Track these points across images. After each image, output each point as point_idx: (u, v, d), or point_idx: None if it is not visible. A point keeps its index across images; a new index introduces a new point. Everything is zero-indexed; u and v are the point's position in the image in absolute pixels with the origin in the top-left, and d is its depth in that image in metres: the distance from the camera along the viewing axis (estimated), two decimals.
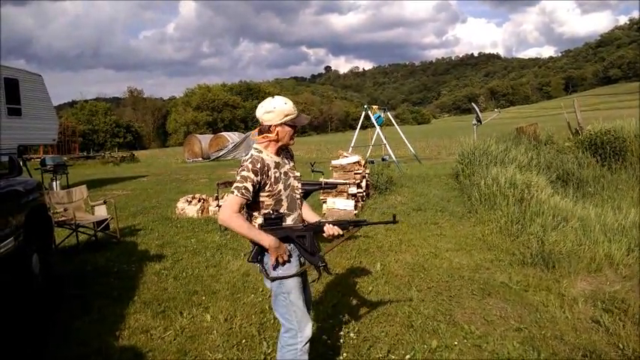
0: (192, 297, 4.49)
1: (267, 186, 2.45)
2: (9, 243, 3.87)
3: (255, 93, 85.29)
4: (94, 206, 7.11)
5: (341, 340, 3.50)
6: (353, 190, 8.25)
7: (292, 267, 2.50)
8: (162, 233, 7.35)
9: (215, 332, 3.70)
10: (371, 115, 17.22)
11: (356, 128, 18.23)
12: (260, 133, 2.51)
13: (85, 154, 33.50)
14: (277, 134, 2.47)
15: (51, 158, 12.72)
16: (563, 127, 14.48)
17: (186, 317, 4.00)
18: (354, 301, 4.23)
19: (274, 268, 2.47)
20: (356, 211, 8.05)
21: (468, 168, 10.46)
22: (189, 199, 8.88)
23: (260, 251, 2.48)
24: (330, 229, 2.52)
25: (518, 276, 4.74)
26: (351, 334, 3.58)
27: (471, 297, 4.30)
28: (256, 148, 2.50)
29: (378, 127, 17.31)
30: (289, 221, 2.53)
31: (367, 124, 18.87)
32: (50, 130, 14.22)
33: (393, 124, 19.76)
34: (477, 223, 7.09)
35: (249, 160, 2.43)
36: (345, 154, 9.60)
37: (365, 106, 17.75)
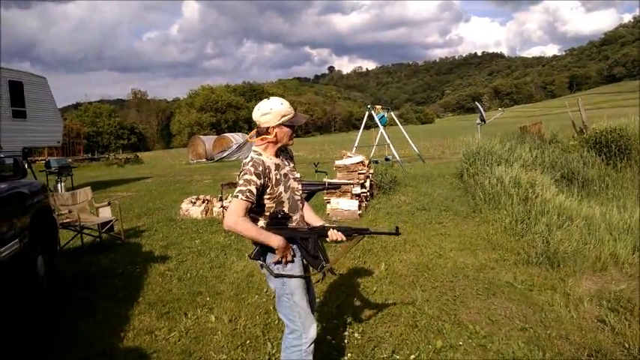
0: (196, 298, 4.50)
1: (269, 188, 2.43)
2: (14, 245, 3.88)
3: (259, 94, 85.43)
4: (99, 208, 7.13)
5: (345, 341, 3.50)
6: (357, 190, 8.24)
7: (295, 267, 2.50)
8: (167, 234, 7.37)
9: (219, 333, 3.70)
10: (374, 115, 17.20)
11: (359, 128, 18.20)
12: (258, 135, 2.50)
13: (89, 155, 33.69)
14: (276, 135, 2.46)
15: (56, 160, 12.81)
16: (568, 126, 14.43)
17: (190, 318, 4.01)
18: (359, 302, 4.22)
19: (277, 266, 2.47)
20: (360, 211, 8.05)
21: (472, 167, 10.42)
22: (193, 200, 8.90)
23: (262, 251, 2.48)
24: (333, 235, 2.51)
25: (523, 275, 4.72)
26: (356, 335, 3.58)
27: (475, 297, 4.28)
28: (255, 151, 2.49)
29: (381, 127, 17.30)
30: (291, 222, 2.53)
31: (371, 124, 18.84)
32: (55, 132, 14.29)
33: (397, 124, 19.73)
34: (481, 222, 7.07)
35: (251, 163, 2.41)
36: (348, 154, 9.59)
37: (368, 106, 17.73)
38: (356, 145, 16.49)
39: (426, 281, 4.71)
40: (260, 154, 2.47)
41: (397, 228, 2.67)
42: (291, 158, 2.67)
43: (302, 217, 2.62)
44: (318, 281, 2.90)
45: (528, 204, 6.88)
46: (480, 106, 17.90)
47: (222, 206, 8.25)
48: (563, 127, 15.07)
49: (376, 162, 14.58)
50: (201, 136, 33.38)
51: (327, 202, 8.29)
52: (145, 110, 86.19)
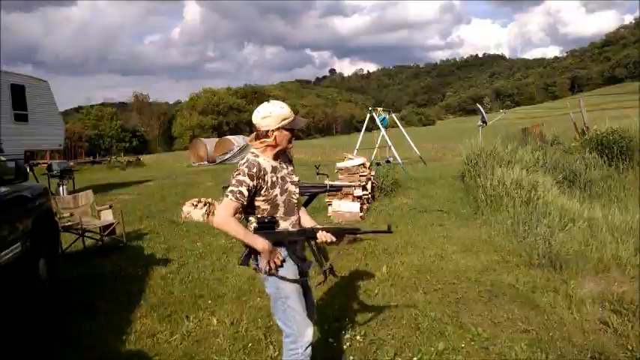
0: (198, 301, 4.50)
1: (263, 190, 2.44)
2: (16, 248, 3.89)
3: (260, 96, 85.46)
4: (100, 211, 7.13)
5: (347, 344, 3.49)
6: (358, 192, 8.23)
7: (288, 270, 2.50)
8: (168, 237, 7.37)
9: (221, 336, 3.70)
10: (376, 117, 17.22)
11: (361, 130, 18.22)
12: (257, 138, 2.51)
13: (91, 158, 33.65)
14: (275, 139, 2.46)
15: (57, 163, 12.77)
16: (570, 128, 14.41)
17: (192, 321, 4.00)
18: (360, 304, 4.22)
19: (268, 270, 2.47)
20: (361, 214, 8.04)
21: (474, 169, 10.40)
22: (194, 203, 8.89)
23: (249, 254, 2.49)
24: (322, 236, 2.52)
25: (526, 277, 4.71)
26: (358, 337, 3.57)
27: (477, 299, 4.28)
28: (253, 152, 2.50)
29: (382, 129, 17.31)
30: (286, 226, 2.53)
31: (372, 127, 18.85)
32: (56, 135, 14.32)
33: (398, 126, 19.73)
34: (483, 224, 7.06)
35: (245, 164, 2.42)
36: (350, 156, 9.59)
37: (370, 109, 17.76)
38: (357, 147, 16.50)
39: (427, 283, 4.71)
40: (257, 156, 2.48)
41: (389, 226, 2.68)
42: (290, 161, 2.67)
43: (298, 220, 2.62)
44: (320, 283, 2.90)
45: (530, 206, 6.88)
46: (481, 108, 17.93)
47: None
48: (565, 129, 15.06)
49: (378, 164, 14.58)
50: (202, 139, 33.37)
51: (329, 205, 8.28)
52: (146, 113, 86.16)
